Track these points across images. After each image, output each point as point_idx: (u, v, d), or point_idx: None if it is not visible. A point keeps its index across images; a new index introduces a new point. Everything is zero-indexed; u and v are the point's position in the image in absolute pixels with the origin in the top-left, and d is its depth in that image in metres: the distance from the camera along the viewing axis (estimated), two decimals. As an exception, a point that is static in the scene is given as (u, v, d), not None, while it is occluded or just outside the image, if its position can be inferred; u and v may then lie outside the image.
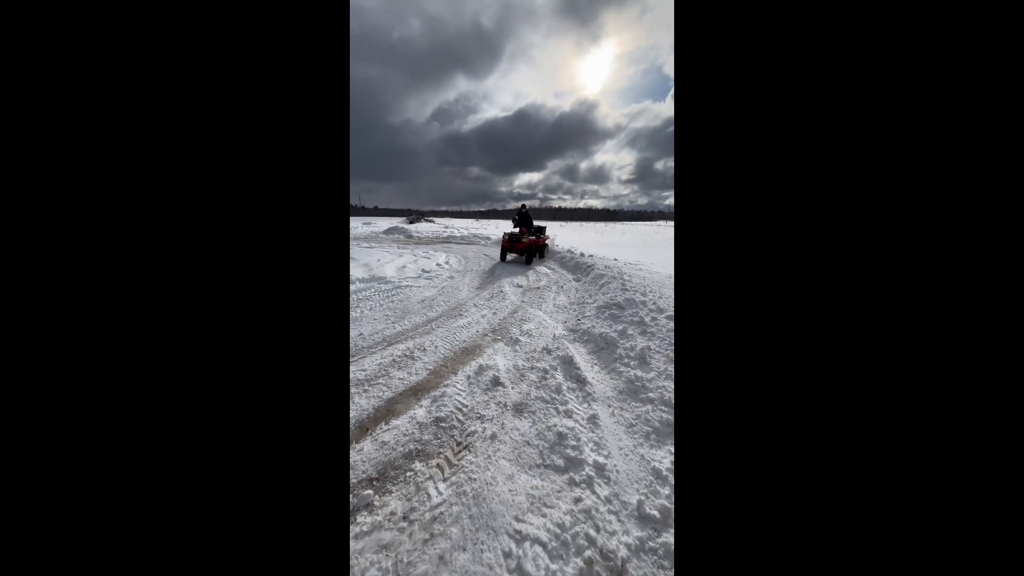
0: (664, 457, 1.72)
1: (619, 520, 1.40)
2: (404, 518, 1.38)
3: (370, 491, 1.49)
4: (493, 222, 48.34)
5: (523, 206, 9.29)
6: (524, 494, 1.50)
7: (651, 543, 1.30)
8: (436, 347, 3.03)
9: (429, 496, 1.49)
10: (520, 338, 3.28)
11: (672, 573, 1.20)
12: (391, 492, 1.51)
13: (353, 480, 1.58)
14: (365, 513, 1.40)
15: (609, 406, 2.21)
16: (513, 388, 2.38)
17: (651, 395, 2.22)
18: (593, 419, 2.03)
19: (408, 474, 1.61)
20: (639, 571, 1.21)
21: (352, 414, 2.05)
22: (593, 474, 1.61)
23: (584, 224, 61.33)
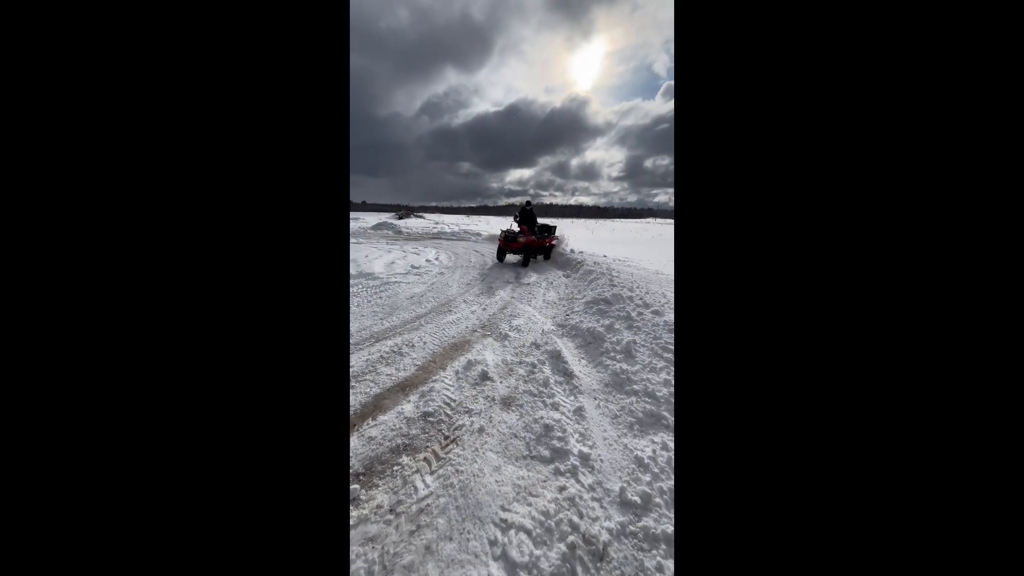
0: (647, 446, 1.76)
1: (602, 507, 1.44)
2: (391, 511, 1.40)
3: (356, 485, 1.50)
4: (484, 218, 48.20)
5: (527, 203, 8.21)
6: (511, 484, 1.53)
7: (631, 527, 1.34)
8: (425, 343, 3.04)
9: (416, 489, 1.51)
10: (509, 333, 3.30)
11: (650, 555, 1.25)
12: (377, 486, 1.53)
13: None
14: (351, 507, 1.42)
15: (595, 398, 2.25)
16: (501, 382, 2.41)
17: (635, 387, 2.27)
18: (579, 411, 2.07)
19: (395, 468, 1.63)
20: (620, 554, 1.25)
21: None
22: (578, 464, 1.65)
23: (575, 221, 61.47)
